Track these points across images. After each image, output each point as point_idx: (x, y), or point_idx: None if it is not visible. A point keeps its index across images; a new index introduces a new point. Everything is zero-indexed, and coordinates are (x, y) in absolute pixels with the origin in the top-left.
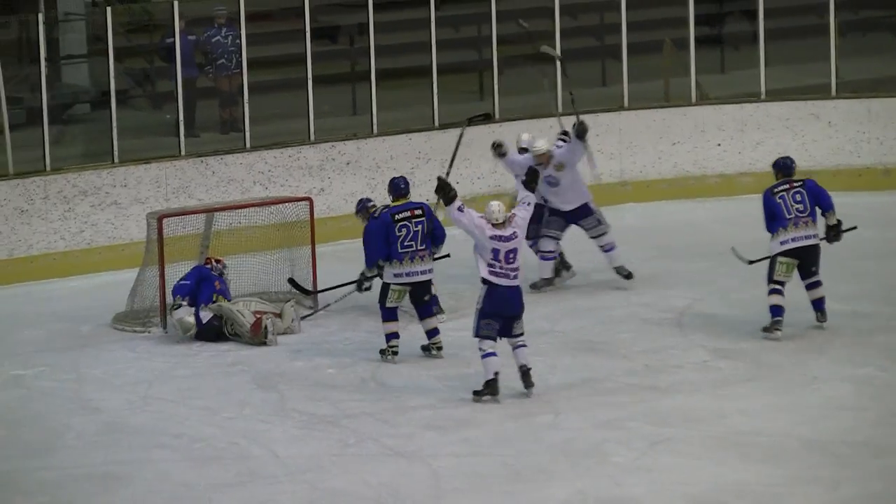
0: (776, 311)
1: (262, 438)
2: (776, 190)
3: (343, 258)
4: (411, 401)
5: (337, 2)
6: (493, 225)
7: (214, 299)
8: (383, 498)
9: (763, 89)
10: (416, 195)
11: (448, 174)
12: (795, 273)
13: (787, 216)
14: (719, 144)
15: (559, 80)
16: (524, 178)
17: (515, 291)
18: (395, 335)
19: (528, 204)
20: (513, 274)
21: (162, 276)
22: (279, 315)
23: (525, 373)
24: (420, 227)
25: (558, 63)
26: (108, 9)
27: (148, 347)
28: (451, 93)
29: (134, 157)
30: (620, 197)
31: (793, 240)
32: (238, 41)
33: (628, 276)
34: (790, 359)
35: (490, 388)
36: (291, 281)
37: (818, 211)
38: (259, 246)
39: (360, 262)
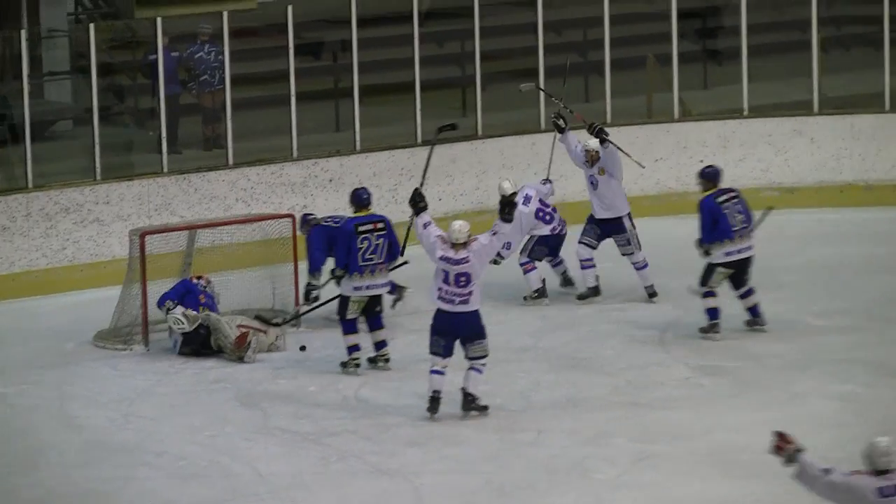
0: (714, 313)
1: (244, 456)
2: (719, 200)
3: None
4: (394, 418)
5: (320, 18)
6: (453, 245)
7: (201, 311)
8: None
9: (746, 105)
10: (398, 212)
11: (422, 185)
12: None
13: (733, 228)
14: (702, 161)
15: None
16: (500, 208)
17: (459, 317)
18: (356, 347)
19: (495, 233)
20: (458, 300)
21: (144, 293)
22: (264, 332)
23: (464, 396)
24: (381, 240)
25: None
26: (91, 25)
27: (130, 365)
28: (435, 109)
29: (116, 173)
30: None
31: (738, 251)
32: (221, 57)
33: (652, 294)
34: (773, 375)
35: (429, 406)
36: (258, 317)
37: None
38: (241, 263)
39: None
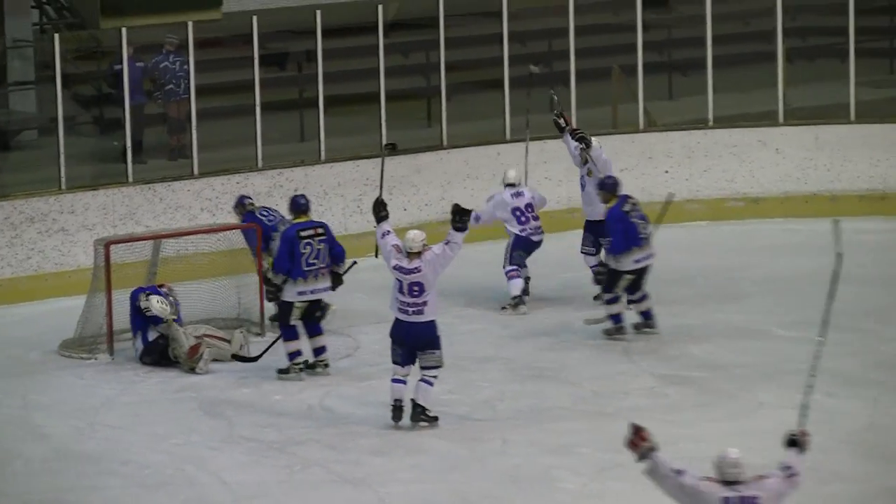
0: (619, 318)
1: (209, 465)
2: (625, 209)
3: None
4: (358, 427)
5: (285, 29)
6: (407, 254)
7: (165, 320)
8: None
9: (711, 116)
10: (363, 222)
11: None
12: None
13: (640, 236)
14: (667, 171)
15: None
16: (452, 217)
17: (414, 327)
18: (298, 353)
19: (449, 243)
20: (412, 310)
21: (109, 302)
22: (228, 341)
23: (413, 407)
24: (323, 245)
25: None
26: (56, 35)
27: (95, 374)
28: (400, 119)
29: (81, 183)
30: (568, 224)
31: (645, 258)
32: (186, 67)
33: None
34: (738, 385)
35: (392, 415)
36: (235, 356)
37: None
38: (206, 273)
39: None
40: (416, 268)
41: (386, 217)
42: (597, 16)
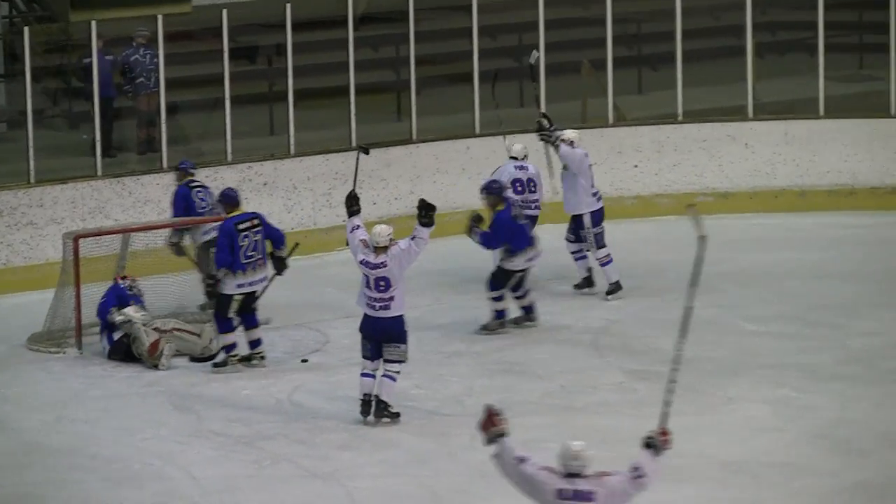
0: (502, 314)
1: (178, 459)
2: (513, 214)
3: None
4: (327, 422)
5: (255, 22)
6: (374, 249)
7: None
8: None
9: (680, 110)
10: (332, 216)
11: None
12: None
13: (529, 237)
14: (636, 166)
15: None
16: (418, 212)
17: (380, 322)
18: (235, 345)
19: (415, 238)
20: (379, 304)
21: (78, 296)
22: (198, 334)
23: (376, 402)
24: (259, 235)
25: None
26: (26, 28)
27: (63, 368)
28: (370, 113)
29: (50, 177)
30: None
31: (534, 257)
32: (157, 60)
33: (609, 292)
34: (707, 380)
35: (361, 409)
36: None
37: None
38: (176, 266)
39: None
40: (381, 262)
41: (357, 211)
42: (566, 9)
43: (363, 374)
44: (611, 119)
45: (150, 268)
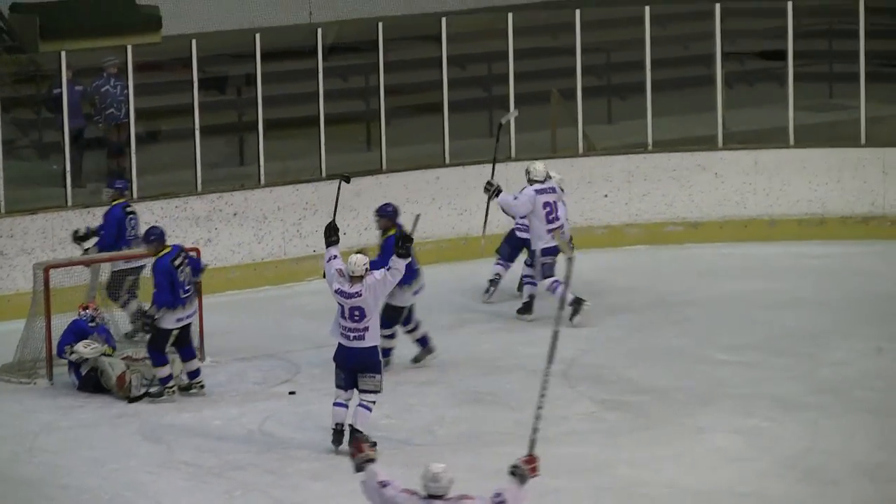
0: (389, 352)
1: (148, 490)
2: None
3: (230, 309)
4: (298, 451)
5: (224, 52)
6: (350, 278)
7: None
8: None
9: (650, 140)
10: (303, 246)
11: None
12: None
13: (415, 267)
14: (606, 195)
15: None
16: (395, 242)
17: (354, 352)
18: (170, 377)
19: (390, 269)
20: (353, 335)
21: (48, 327)
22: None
23: (351, 432)
24: (188, 268)
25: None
26: None
27: (34, 399)
28: (339, 143)
29: (20, 207)
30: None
31: (419, 290)
32: (127, 91)
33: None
34: (677, 409)
35: (333, 438)
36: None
37: None
38: (146, 296)
39: (248, 312)
40: (357, 292)
41: (336, 242)
42: (536, 39)
43: (336, 404)
44: (581, 149)
45: None
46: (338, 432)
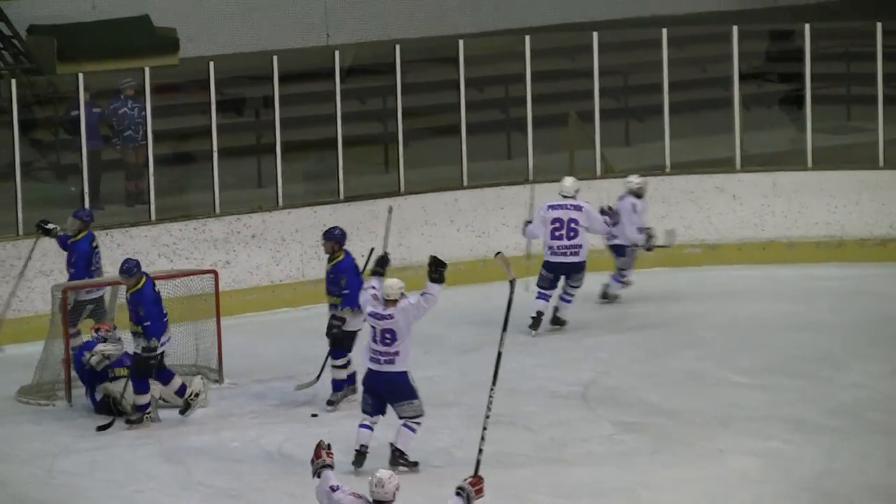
0: (342, 384)
1: None
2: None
3: (248, 331)
4: None
5: (242, 74)
6: (385, 301)
7: (111, 375)
8: None
9: (668, 162)
10: (321, 268)
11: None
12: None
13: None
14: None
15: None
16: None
17: (383, 376)
18: (150, 404)
19: (424, 294)
20: (384, 359)
21: (66, 348)
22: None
23: (392, 451)
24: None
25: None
26: (13, 80)
27: (53, 421)
28: (357, 165)
29: None
30: (525, 270)
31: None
32: (144, 113)
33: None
34: (695, 432)
35: (354, 460)
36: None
37: None
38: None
39: (266, 334)
40: (389, 314)
41: (382, 274)
42: (553, 62)
43: (361, 426)
44: (598, 171)
45: None
46: (360, 454)
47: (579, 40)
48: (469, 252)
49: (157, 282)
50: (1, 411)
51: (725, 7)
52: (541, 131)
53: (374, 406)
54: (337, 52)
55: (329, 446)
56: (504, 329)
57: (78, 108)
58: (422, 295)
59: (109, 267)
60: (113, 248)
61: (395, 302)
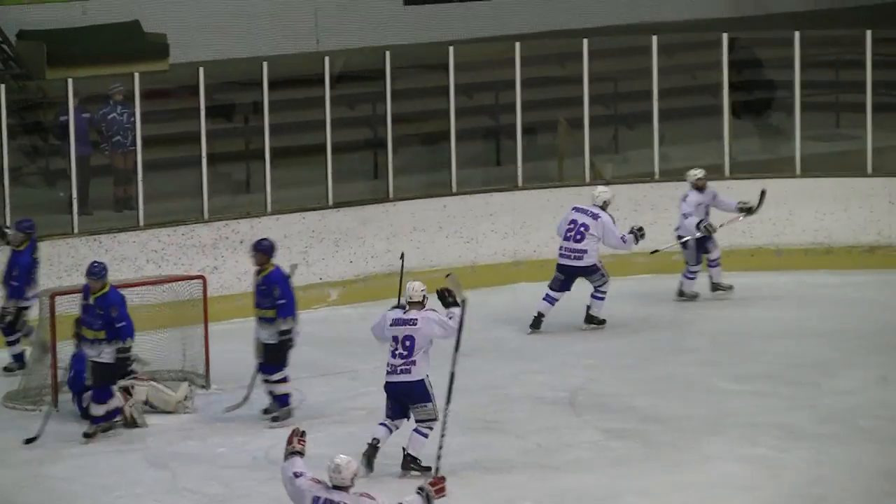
0: (287, 398)
1: None
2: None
3: (236, 337)
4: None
5: (232, 80)
6: (409, 303)
7: None
8: None
9: (657, 169)
10: (309, 274)
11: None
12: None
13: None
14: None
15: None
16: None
17: (398, 386)
18: (118, 411)
19: (451, 317)
20: (400, 369)
21: (54, 354)
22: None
23: (404, 456)
24: None
25: None
26: (2, 86)
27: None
28: (346, 171)
29: None
30: (514, 276)
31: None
32: (134, 119)
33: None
34: (684, 438)
35: (365, 451)
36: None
37: None
38: (152, 325)
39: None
40: (413, 319)
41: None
42: (543, 69)
43: (380, 423)
44: (588, 178)
45: None
46: (371, 447)
47: (569, 47)
48: (457, 258)
49: (145, 287)
50: None
51: (717, 14)
52: (530, 138)
53: (394, 409)
54: (326, 59)
55: (303, 433)
56: (456, 349)
57: (67, 114)
58: (448, 317)
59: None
60: (101, 253)
61: (419, 304)
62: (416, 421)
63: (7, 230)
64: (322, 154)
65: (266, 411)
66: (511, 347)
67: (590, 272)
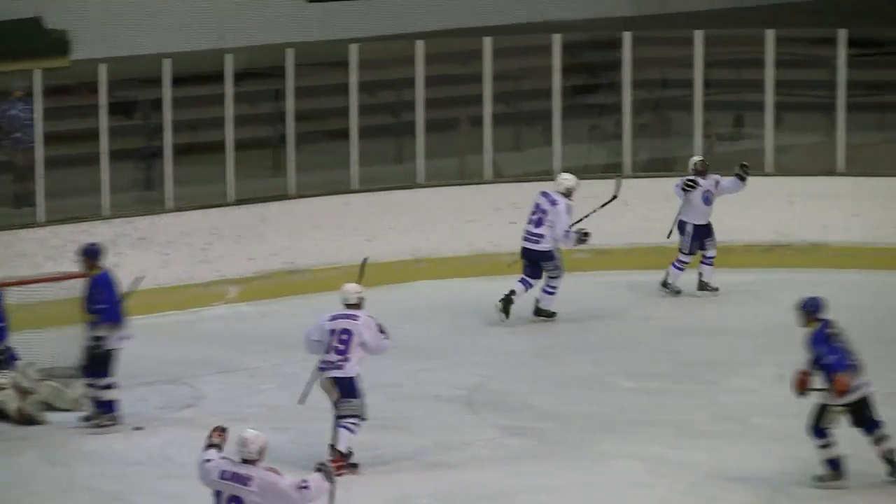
0: (112, 405)
1: None
2: None
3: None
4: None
5: (133, 77)
6: (346, 306)
7: None
8: None
9: (559, 167)
10: (209, 271)
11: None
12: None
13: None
14: (514, 222)
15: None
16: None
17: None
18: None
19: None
20: (334, 364)
21: None
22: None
23: (330, 450)
24: None
25: None
26: None
27: None
28: (248, 168)
29: None
30: (414, 274)
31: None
32: (34, 115)
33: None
34: (580, 436)
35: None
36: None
37: None
38: (50, 321)
39: (152, 337)
40: (354, 315)
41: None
42: (445, 66)
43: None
44: (489, 175)
45: (24, 323)
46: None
47: (472, 45)
48: (358, 256)
49: (44, 284)
50: None
51: (620, 13)
52: (432, 136)
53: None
54: (228, 56)
55: (224, 429)
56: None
57: None
58: (382, 332)
59: None
60: (1, 249)
61: (356, 306)
62: (339, 417)
63: None
64: (223, 151)
65: (87, 419)
66: (409, 346)
67: (545, 258)
